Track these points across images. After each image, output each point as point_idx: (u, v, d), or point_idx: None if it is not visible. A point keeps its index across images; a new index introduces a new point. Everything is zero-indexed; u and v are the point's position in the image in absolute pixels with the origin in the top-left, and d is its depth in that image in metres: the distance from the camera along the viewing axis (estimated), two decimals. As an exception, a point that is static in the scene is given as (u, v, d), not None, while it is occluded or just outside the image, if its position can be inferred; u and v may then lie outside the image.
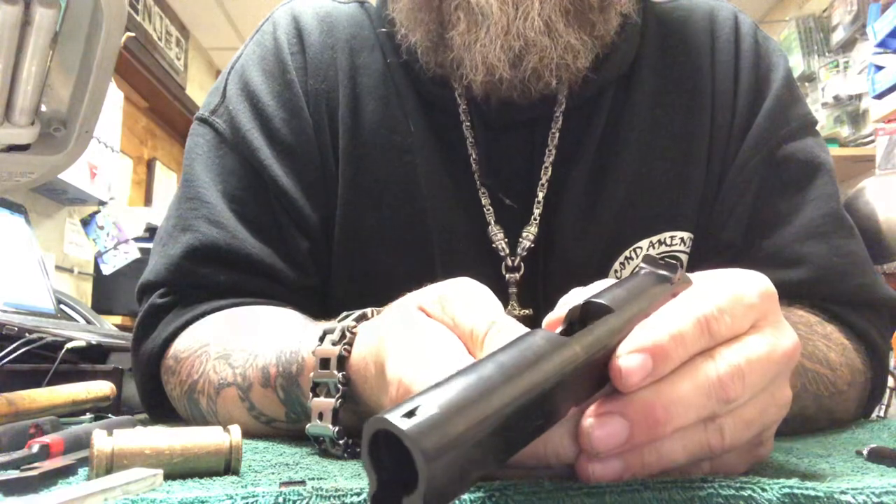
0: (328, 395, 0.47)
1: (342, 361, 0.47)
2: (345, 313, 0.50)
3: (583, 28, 0.65)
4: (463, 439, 0.24)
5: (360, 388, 0.46)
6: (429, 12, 0.67)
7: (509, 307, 0.70)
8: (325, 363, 0.48)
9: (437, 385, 0.25)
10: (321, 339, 0.49)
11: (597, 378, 0.32)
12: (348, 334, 0.47)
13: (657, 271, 0.37)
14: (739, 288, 0.36)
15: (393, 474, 0.25)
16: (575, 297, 0.38)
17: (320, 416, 0.47)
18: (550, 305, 0.38)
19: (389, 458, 0.24)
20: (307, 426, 0.48)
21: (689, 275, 0.38)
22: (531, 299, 0.70)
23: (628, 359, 0.31)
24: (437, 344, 0.37)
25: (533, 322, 0.65)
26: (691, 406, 0.32)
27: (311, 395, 0.48)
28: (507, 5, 0.63)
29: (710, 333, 0.33)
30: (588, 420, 0.31)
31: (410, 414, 0.23)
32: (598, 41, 0.68)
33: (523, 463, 0.32)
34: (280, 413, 0.56)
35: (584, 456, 0.31)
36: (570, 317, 0.33)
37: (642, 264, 0.38)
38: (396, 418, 0.23)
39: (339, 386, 0.46)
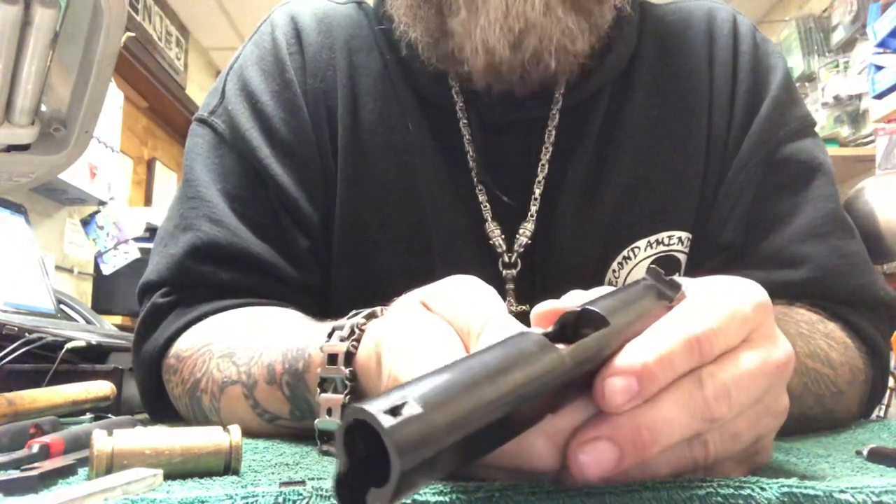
0: (335, 391, 0.47)
1: (349, 357, 0.47)
2: (354, 311, 0.50)
3: (580, 14, 0.66)
4: (441, 442, 0.24)
5: (364, 383, 0.46)
6: (428, 8, 0.67)
7: (506, 303, 0.70)
8: (332, 359, 0.48)
9: (422, 380, 0.25)
10: (329, 336, 0.49)
11: (579, 389, 0.31)
12: (357, 331, 0.47)
13: (659, 287, 0.36)
14: (733, 302, 0.35)
15: (362, 456, 0.25)
16: (572, 300, 0.38)
17: (329, 412, 0.47)
18: None
19: (362, 441, 0.24)
20: (316, 421, 0.48)
21: (683, 280, 0.38)
22: (528, 296, 0.70)
23: (613, 381, 0.31)
24: (430, 338, 0.37)
25: (529, 319, 0.65)
26: (676, 427, 0.32)
27: (318, 391, 0.48)
28: None
29: (700, 354, 0.33)
30: (577, 446, 0.30)
31: (395, 412, 0.23)
32: (595, 30, 0.68)
33: (501, 466, 0.32)
34: (285, 410, 0.56)
35: (566, 471, 0.31)
36: (563, 320, 0.33)
37: (646, 276, 0.37)
38: (380, 414, 0.23)
39: (346, 382, 0.46)
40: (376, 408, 0.23)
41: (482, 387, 0.26)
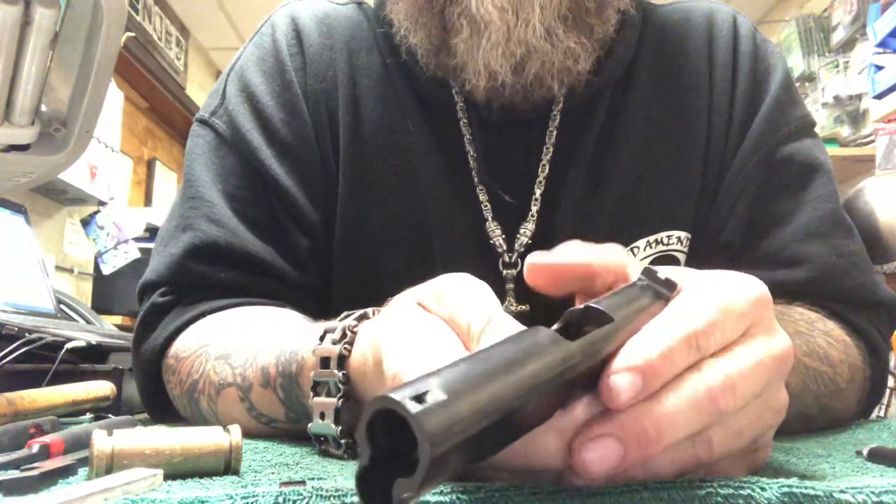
0: (328, 394, 0.47)
1: (342, 360, 0.47)
2: (346, 312, 0.50)
3: (582, 32, 0.66)
4: (468, 429, 0.24)
5: (359, 386, 0.46)
6: (430, 17, 0.67)
7: (506, 303, 0.70)
8: (325, 362, 0.47)
9: (441, 371, 0.25)
10: (321, 339, 0.49)
11: (585, 386, 0.32)
12: (349, 333, 0.47)
13: (655, 287, 0.37)
14: (730, 296, 0.35)
15: (384, 450, 0.25)
16: (574, 250, 0.39)
17: (322, 416, 0.47)
18: (547, 302, 0.39)
19: (383, 434, 0.24)
20: (310, 425, 0.48)
21: (682, 271, 0.38)
22: (528, 296, 0.70)
23: (619, 378, 0.31)
24: (433, 339, 0.37)
25: (529, 319, 0.65)
26: (682, 422, 0.31)
27: (311, 394, 0.48)
28: (506, 13, 0.63)
29: (700, 348, 0.33)
30: (581, 443, 0.30)
31: (419, 399, 0.23)
32: (598, 44, 0.69)
33: (509, 465, 0.32)
34: (280, 413, 0.56)
35: (570, 470, 0.31)
36: (567, 318, 0.33)
37: (641, 276, 0.37)
38: (406, 400, 0.23)
39: (340, 385, 0.46)
40: (402, 395, 0.23)
41: (502, 375, 0.26)
